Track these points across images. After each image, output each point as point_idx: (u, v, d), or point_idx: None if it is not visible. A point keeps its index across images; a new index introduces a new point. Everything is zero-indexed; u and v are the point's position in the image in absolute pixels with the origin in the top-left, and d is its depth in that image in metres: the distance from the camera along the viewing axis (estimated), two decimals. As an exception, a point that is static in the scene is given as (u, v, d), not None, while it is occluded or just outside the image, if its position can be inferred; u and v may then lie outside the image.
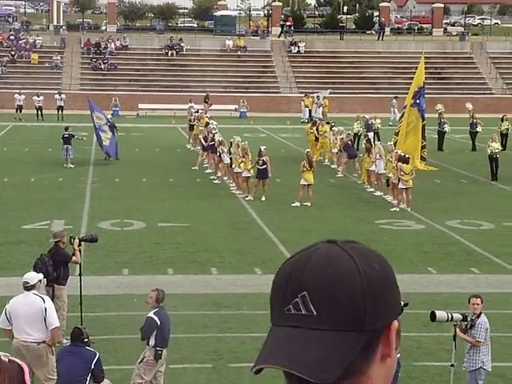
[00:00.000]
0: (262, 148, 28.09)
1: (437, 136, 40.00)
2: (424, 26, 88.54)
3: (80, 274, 14.54)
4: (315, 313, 1.64)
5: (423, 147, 34.07)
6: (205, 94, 55.72)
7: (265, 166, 27.37)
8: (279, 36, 71.55)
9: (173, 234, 22.20)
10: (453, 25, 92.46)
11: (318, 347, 1.62)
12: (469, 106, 43.41)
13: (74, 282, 14.66)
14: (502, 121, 40.10)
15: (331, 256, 1.67)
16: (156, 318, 11.85)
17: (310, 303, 1.64)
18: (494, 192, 29.52)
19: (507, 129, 39.71)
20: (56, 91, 54.29)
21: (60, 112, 51.79)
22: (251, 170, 27.92)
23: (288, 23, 74.20)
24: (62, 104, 52.26)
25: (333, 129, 35.37)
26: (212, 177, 31.31)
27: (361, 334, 1.64)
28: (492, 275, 18.89)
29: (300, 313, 1.65)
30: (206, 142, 33.00)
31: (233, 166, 28.86)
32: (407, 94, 35.28)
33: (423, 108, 33.94)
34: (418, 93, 33.77)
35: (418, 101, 33.72)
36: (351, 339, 1.64)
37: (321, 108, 52.80)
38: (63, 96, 52.99)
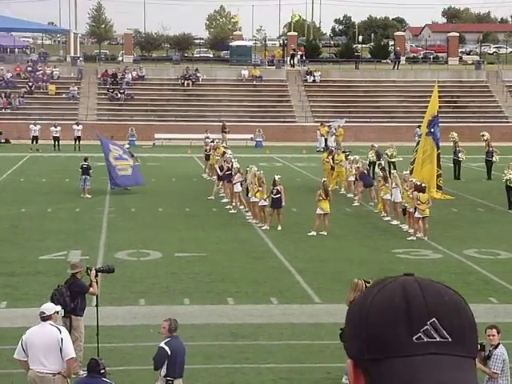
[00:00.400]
0: (277, 177, 28.10)
1: (452, 165, 39.93)
2: (439, 54, 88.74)
3: (97, 305, 14.54)
4: (450, 339, 1.64)
5: (439, 176, 34.01)
6: (221, 124, 56.03)
7: (279, 196, 27.36)
8: (292, 66, 71.78)
9: (189, 264, 22.20)
10: (468, 53, 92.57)
11: (464, 372, 1.63)
12: (485, 134, 43.28)
13: (90, 312, 14.65)
14: None
15: (436, 285, 1.70)
16: (167, 348, 11.89)
17: (442, 330, 1.64)
18: (511, 221, 29.35)
19: None
20: (73, 121, 54.71)
21: (77, 142, 52.12)
22: (267, 199, 27.93)
23: (300, 53, 74.55)
24: (80, 134, 52.60)
25: (348, 157, 35.41)
26: (228, 206, 31.34)
27: (474, 362, 1.68)
28: (510, 305, 18.76)
29: (434, 340, 1.63)
30: (221, 171, 33.09)
31: (249, 195, 28.89)
32: (421, 122, 35.30)
33: (438, 137, 33.92)
34: (432, 122, 33.78)
35: (432, 129, 33.72)
36: (473, 366, 1.67)
37: (333, 137, 52.91)
38: (80, 126, 53.37)
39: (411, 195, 26.52)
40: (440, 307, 1.65)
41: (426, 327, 1.63)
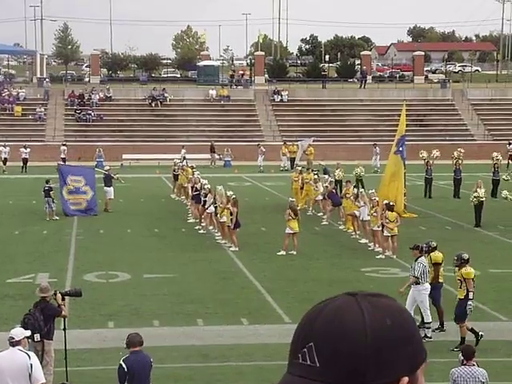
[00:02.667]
0: (231, 197, 27.99)
1: (423, 183, 40.09)
2: (405, 73, 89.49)
3: (64, 328, 14.38)
4: (318, 364, 1.67)
5: (404, 194, 34.11)
6: (210, 144, 56.32)
7: (231, 217, 27.32)
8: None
9: (158, 286, 22.09)
10: (434, 72, 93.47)
11: None
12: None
13: (58, 336, 14.49)
14: (494, 168, 39.80)
15: (341, 308, 1.70)
16: (124, 365, 11.93)
17: (314, 354, 1.67)
18: (479, 238, 29.55)
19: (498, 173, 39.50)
20: (41, 143, 54.40)
21: (24, 164, 52.12)
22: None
23: (241, 72, 75.51)
24: (27, 156, 52.55)
25: (315, 177, 35.51)
26: (197, 227, 31.26)
27: None
28: (478, 322, 18.83)
29: (306, 363, 1.68)
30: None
31: (218, 216, 28.85)
32: (390, 141, 35.51)
33: (404, 156, 34.15)
34: (400, 140, 34.04)
35: (400, 148, 33.94)
36: None
37: (285, 156, 54.18)
38: (28, 149, 53.04)
39: (375, 214, 26.75)
40: (321, 332, 1.68)
41: (304, 350, 1.70)
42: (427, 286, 17.95)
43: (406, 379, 1.68)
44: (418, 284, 17.78)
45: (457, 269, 17.66)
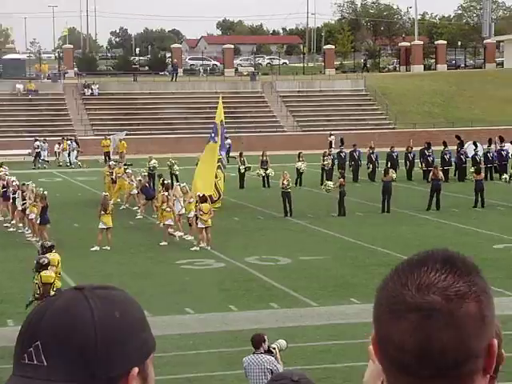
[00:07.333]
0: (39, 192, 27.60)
1: (237, 174, 40.62)
2: (217, 65, 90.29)
3: None
4: (45, 363, 1.61)
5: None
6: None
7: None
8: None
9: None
10: (243, 66, 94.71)
11: None
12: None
13: None
14: (299, 157, 40.96)
15: (68, 304, 1.65)
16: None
17: (41, 353, 1.61)
18: (289, 227, 30.30)
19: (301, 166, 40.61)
20: None
21: None
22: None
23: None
24: None
25: (127, 171, 35.35)
26: (5, 224, 30.35)
27: (92, 383, 1.63)
28: (290, 309, 19.38)
29: (33, 363, 1.62)
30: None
31: (27, 212, 28.15)
32: (203, 133, 35.66)
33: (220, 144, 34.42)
34: (219, 129, 34.17)
35: (213, 134, 34.04)
36: None
37: (75, 152, 52.86)
38: None
39: (190, 201, 27.12)
40: (48, 329, 1.63)
41: (30, 349, 1.63)
42: None
43: (136, 369, 1.67)
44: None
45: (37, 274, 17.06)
